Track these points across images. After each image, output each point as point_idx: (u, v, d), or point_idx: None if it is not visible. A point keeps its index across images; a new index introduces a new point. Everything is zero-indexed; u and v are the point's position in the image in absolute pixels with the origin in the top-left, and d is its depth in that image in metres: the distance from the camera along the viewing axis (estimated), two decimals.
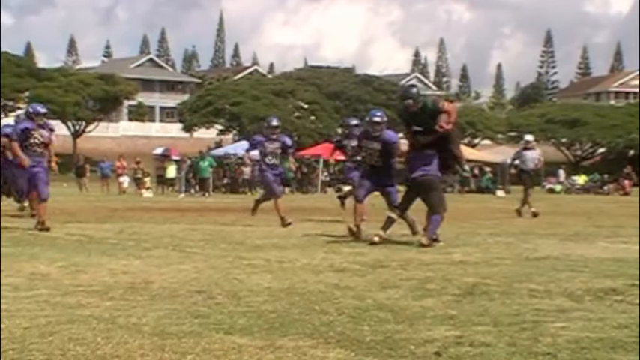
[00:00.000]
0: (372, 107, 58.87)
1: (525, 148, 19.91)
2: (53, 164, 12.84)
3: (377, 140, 11.06)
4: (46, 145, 12.36)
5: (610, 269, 7.80)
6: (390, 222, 10.53)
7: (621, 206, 27.08)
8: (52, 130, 12.79)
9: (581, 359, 4.14)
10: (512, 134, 68.43)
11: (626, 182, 48.19)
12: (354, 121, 15.66)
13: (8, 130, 12.67)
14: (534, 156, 19.73)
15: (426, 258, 8.74)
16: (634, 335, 4.70)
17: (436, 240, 10.13)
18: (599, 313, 5.49)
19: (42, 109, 12.72)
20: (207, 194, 36.59)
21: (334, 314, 5.40)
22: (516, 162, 19.85)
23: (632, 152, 65.72)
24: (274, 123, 14.77)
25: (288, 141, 14.98)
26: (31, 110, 12.69)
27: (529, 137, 21.11)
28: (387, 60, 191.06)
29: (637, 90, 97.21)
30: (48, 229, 11.73)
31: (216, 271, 7.49)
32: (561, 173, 51.62)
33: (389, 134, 11.19)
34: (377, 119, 11.14)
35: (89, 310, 5.46)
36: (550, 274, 7.46)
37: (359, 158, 12.97)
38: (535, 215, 17.52)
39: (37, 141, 12.23)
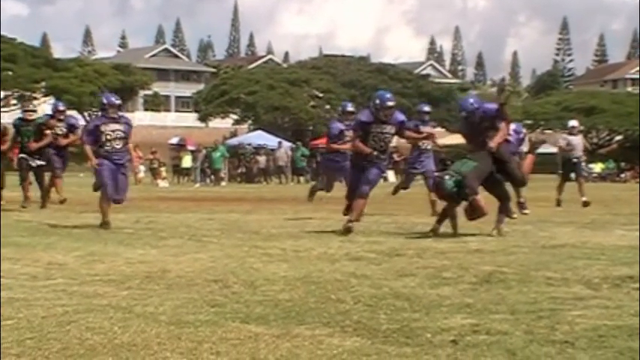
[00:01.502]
0: None
1: (570, 134, 18.91)
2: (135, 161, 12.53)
3: (389, 123, 10.49)
4: (125, 139, 11.25)
5: (627, 257, 7.76)
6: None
7: (638, 194, 26.94)
8: (128, 125, 11.44)
9: (599, 347, 4.12)
10: (529, 122, 68.06)
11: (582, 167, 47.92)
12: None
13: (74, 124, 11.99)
14: (581, 142, 18.85)
15: (442, 246, 8.72)
16: None
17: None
18: (616, 300, 5.46)
19: (116, 100, 11.50)
20: (220, 184, 36.61)
21: (350, 303, 5.40)
22: (565, 148, 18.63)
23: None
24: (349, 108, 14.36)
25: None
26: (105, 101, 11.48)
27: (574, 122, 19.79)
28: (402, 48, 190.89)
29: None
30: (108, 225, 10.83)
31: (232, 261, 7.50)
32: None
33: (400, 115, 10.72)
34: (390, 103, 10.44)
35: (106, 299, 5.48)
36: (567, 262, 7.43)
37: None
38: (586, 204, 16.78)
39: (109, 137, 11.08)
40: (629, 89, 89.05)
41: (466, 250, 8.44)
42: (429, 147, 14.52)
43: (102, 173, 11.06)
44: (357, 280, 6.39)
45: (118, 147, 11.12)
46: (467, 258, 7.76)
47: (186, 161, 40.32)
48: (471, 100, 10.75)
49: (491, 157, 10.11)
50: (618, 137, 69.87)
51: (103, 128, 11.11)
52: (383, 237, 9.75)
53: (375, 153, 10.38)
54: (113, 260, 7.45)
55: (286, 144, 43.95)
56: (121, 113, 11.51)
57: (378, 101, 10.42)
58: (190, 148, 42.69)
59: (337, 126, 13.87)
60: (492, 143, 10.05)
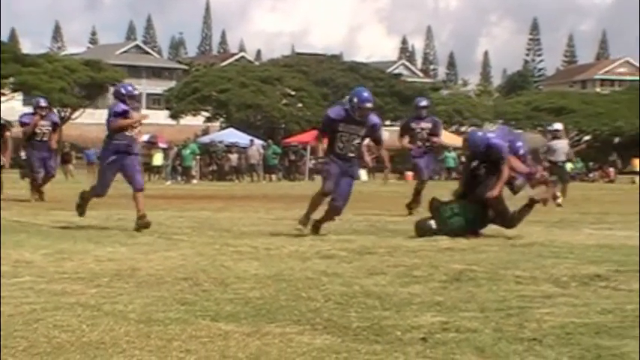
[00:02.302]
0: None
1: (554, 137, 18.61)
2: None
3: (361, 124, 9.85)
4: (137, 129, 10.89)
5: (595, 255, 7.83)
6: None
7: (606, 193, 27.20)
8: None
9: (566, 344, 4.16)
10: (499, 122, 68.50)
11: (611, 169, 48.35)
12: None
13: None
14: (565, 145, 18.51)
15: (412, 245, 8.74)
16: (618, 321, 4.72)
17: None
18: (584, 298, 5.51)
19: (135, 91, 11.03)
20: (192, 181, 36.51)
21: (321, 301, 5.40)
22: (545, 154, 18.35)
23: (617, 139, 65.92)
24: (423, 103, 14.47)
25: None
26: (123, 92, 10.87)
27: (558, 125, 19.45)
28: (375, 47, 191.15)
29: (623, 77, 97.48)
30: (148, 225, 10.22)
31: (202, 258, 7.48)
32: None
33: (375, 117, 10.21)
34: (369, 105, 9.82)
35: (74, 297, 5.44)
36: (536, 260, 7.49)
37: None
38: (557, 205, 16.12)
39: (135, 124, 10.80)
40: (598, 90, 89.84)
41: (437, 249, 8.48)
42: (424, 144, 14.04)
43: (104, 170, 10.98)
44: (327, 278, 6.40)
45: (136, 137, 10.90)
46: (437, 256, 7.79)
47: (157, 159, 40.11)
48: (480, 134, 10.15)
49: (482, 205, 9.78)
50: (587, 137, 70.48)
51: (129, 115, 10.69)
52: (354, 235, 9.76)
53: (324, 155, 10.00)
54: (82, 258, 7.40)
55: (258, 142, 43.90)
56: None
57: (356, 100, 9.77)
58: (161, 145, 42.48)
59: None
60: (493, 192, 9.61)
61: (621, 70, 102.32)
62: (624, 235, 10.18)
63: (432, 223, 9.76)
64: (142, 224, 10.20)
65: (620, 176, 48.10)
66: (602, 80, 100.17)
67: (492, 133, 10.14)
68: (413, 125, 14.10)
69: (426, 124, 14.04)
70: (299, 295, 5.63)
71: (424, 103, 14.71)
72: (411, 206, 13.47)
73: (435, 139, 14.11)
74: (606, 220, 11.57)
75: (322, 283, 6.15)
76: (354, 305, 5.24)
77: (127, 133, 10.60)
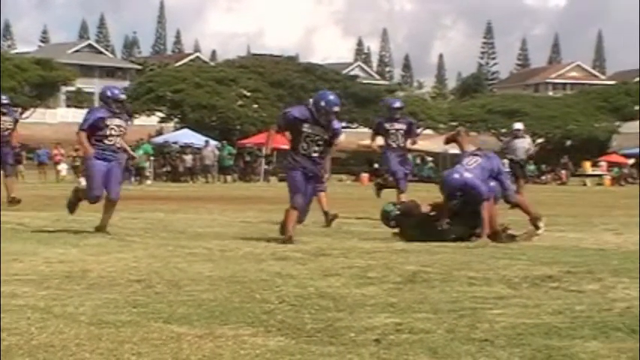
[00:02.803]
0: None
1: (515, 137, 18.87)
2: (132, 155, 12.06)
3: (325, 128, 9.56)
4: (122, 136, 10.55)
5: (547, 257, 7.91)
6: None
7: (558, 196, 27.52)
8: (127, 121, 10.89)
9: (517, 345, 4.19)
10: (454, 124, 69.02)
11: (564, 172, 48.92)
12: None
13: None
14: (525, 145, 18.72)
15: (367, 246, 8.76)
16: (568, 321, 4.77)
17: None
18: (535, 299, 5.56)
19: (122, 95, 10.70)
20: (145, 182, 36.24)
21: (275, 302, 5.39)
22: (506, 151, 18.67)
23: (569, 142, 66.72)
24: (397, 104, 14.16)
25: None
26: (109, 94, 10.52)
27: (519, 125, 19.82)
28: (330, 49, 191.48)
29: (574, 81, 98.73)
30: (105, 232, 10.03)
31: (156, 260, 7.42)
32: (505, 162, 52.14)
33: (337, 123, 10.04)
34: (337, 109, 9.57)
35: (23, 299, 5.37)
36: (489, 262, 7.54)
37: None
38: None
39: (113, 132, 10.36)
40: (551, 93, 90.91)
41: (391, 250, 8.50)
42: (401, 144, 13.74)
43: (94, 172, 10.37)
44: (282, 279, 6.38)
45: (118, 145, 10.49)
46: (392, 258, 7.81)
47: None
48: (456, 177, 9.71)
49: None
50: (540, 140, 71.25)
51: (108, 122, 10.33)
52: (309, 237, 9.76)
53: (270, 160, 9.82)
54: (32, 260, 7.30)
55: (213, 143, 43.71)
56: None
57: (323, 103, 9.44)
58: None
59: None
60: (484, 239, 9.40)
61: (573, 73, 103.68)
62: (575, 237, 10.31)
63: (395, 209, 9.85)
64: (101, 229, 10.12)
65: (572, 179, 48.72)
66: (555, 84, 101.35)
67: (469, 170, 9.71)
68: (387, 126, 13.74)
69: (400, 125, 13.73)
70: (253, 296, 5.61)
71: (398, 104, 14.35)
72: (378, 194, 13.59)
73: (409, 141, 13.82)
74: (558, 222, 11.68)
75: (276, 284, 6.13)
76: (308, 307, 5.24)
77: (106, 142, 10.29)
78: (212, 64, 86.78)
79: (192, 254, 7.97)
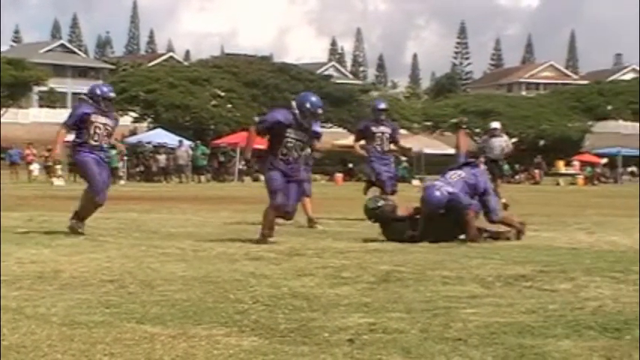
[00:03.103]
0: (290, 96, 58.24)
1: (492, 135, 18.64)
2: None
3: (306, 131, 9.42)
4: (110, 135, 10.27)
5: (520, 256, 7.95)
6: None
7: (532, 195, 27.68)
8: (116, 122, 10.53)
9: (491, 344, 4.21)
10: (428, 124, 69.27)
11: (537, 171, 49.23)
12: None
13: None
14: (502, 143, 18.49)
15: (341, 246, 8.76)
16: (541, 320, 4.80)
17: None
18: (508, 298, 5.59)
19: (111, 93, 10.35)
20: (119, 182, 36.07)
21: (249, 303, 5.38)
22: (482, 150, 18.41)
23: (542, 142, 67.13)
24: (382, 106, 13.61)
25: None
26: (98, 92, 10.21)
27: (496, 124, 19.50)
28: (304, 49, 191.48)
29: (547, 81, 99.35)
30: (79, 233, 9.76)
31: (129, 260, 7.39)
32: (482, 161, 52.32)
33: (318, 126, 10.08)
34: (321, 111, 9.46)
35: None
36: (462, 261, 7.57)
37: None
38: (505, 207, 15.53)
39: (98, 130, 10.04)
40: (524, 93, 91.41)
41: (365, 250, 8.51)
42: (385, 148, 13.28)
43: (91, 167, 10.04)
44: (256, 279, 6.37)
45: (105, 145, 10.26)
46: (365, 257, 7.82)
47: None
48: (438, 195, 9.38)
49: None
50: (513, 140, 71.63)
51: (93, 118, 10.02)
52: (283, 237, 9.74)
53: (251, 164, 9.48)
54: (4, 260, 7.23)
55: (187, 143, 43.59)
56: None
57: (308, 105, 9.25)
58: None
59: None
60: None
61: (546, 73, 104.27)
62: (549, 236, 10.37)
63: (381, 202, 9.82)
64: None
65: (546, 178, 49.02)
66: (528, 84, 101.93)
67: (450, 184, 9.46)
68: (373, 129, 13.16)
69: (386, 129, 13.24)
70: (226, 296, 5.60)
71: (383, 105, 13.74)
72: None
73: (394, 145, 13.43)
74: (531, 222, 11.73)
75: (250, 284, 6.12)
76: (281, 307, 5.23)
77: (91, 142, 10.05)
78: (185, 64, 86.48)
79: (166, 254, 7.94)
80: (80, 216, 10.01)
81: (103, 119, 10.11)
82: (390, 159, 13.43)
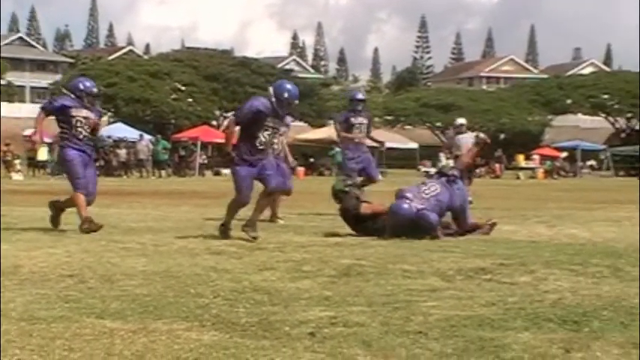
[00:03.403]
0: (251, 90, 57.90)
1: (458, 132, 18.42)
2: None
3: (282, 121, 9.31)
4: (93, 129, 10.00)
5: (480, 249, 8.00)
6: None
7: (492, 189, 27.87)
8: (99, 114, 10.37)
9: (451, 337, 4.23)
10: (389, 118, 69.47)
11: (497, 165, 49.57)
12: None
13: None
14: (468, 140, 17.39)
15: (302, 240, 8.76)
16: (501, 313, 4.83)
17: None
18: (468, 291, 5.62)
19: (95, 89, 10.13)
20: None
21: (210, 297, 5.36)
22: (449, 147, 18.12)
23: (503, 136, 67.59)
24: (360, 96, 13.52)
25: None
26: (82, 87, 9.97)
27: (462, 120, 19.40)
28: (265, 43, 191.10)
29: (507, 75, 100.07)
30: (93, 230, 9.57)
31: (88, 255, 7.33)
32: (442, 156, 52.58)
33: (290, 117, 10.01)
34: (297, 101, 9.27)
35: None
36: (423, 254, 7.60)
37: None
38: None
39: (79, 124, 9.80)
40: (484, 87, 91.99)
41: (326, 244, 8.51)
42: (363, 139, 13.17)
43: (75, 168, 9.90)
44: (217, 274, 6.36)
45: (87, 138, 9.94)
46: (327, 251, 7.83)
47: (42, 154, 39.19)
48: (405, 207, 9.13)
49: None
50: (473, 134, 71.98)
51: (75, 112, 9.78)
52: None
53: (234, 154, 9.04)
54: None
55: (147, 137, 43.32)
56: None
57: (286, 95, 9.03)
58: (47, 140, 41.47)
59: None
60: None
61: (506, 67, 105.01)
62: (509, 229, 10.45)
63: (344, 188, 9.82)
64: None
65: (506, 172, 49.38)
66: (488, 77, 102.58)
67: (423, 199, 9.24)
68: (352, 120, 13.01)
69: (363, 119, 13.13)
70: (187, 291, 5.58)
71: (360, 96, 13.76)
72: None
73: (371, 135, 13.35)
74: (491, 215, 11.80)
75: (211, 279, 6.10)
76: (242, 301, 5.22)
77: (74, 132, 9.82)
78: (146, 57, 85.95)
79: (126, 249, 7.89)
80: (81, 216, 9.85)
81: (84, 112, 9.88)
82: (365, 147, 13.25)
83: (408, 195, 9.30)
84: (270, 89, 9.16)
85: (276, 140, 9.34)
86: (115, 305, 5.03)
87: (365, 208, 9.75)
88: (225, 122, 9.64)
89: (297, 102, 9.30)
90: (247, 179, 9.11)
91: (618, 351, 3.95)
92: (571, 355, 3.87)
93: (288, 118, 9.87)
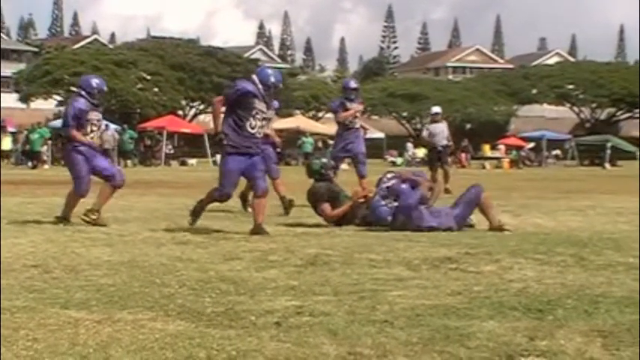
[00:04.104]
0: (217, 79, 57.51)
1: (433, 121, 18.27)
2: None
3: (268, 107, 9.12)
4: (99, 128, 9.90)
5: (446, 239, 8.03)
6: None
7: (458, 178, 27.96)
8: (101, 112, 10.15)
9: (416, 325, 4.25)
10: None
11: (463, 155, 49.79)
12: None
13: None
14: (443, 129, 18.06)
15: (269, 230, 8.73)
16: (466, 302, 4.86)
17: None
18: (434, 281, 5.65)
19: (104, 87, 9.89)
20: (43, 167, 35.46)
21: (175, 287, 5.35)
22: (427, 138, 18.08)
23: (469, 126, 67.90)
24: (353, 85, 13.32)
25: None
26: (94, 85, 9.70)
27: (436, 109, 19.11)
28: (231, 32, 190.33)
29: (473, 65, 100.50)
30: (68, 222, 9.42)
31: (53, 245, 7.28)
32: (410, 146, 52.76)
33: (275, 102, 10.02)
34: (281, 85, 9.18)
35: None
36: (389, 244, 7.62)
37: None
38: (447, 191, 15.39)
39: (94, 127, 9.69)
40: (451, 77, 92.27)
41: (292, 234, 8.52)
42: (357, 125, 12.98)
43: (81, 164, 9.77)
44: (182, 263, 6.34)
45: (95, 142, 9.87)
46: (293, 241, 7.83)
47: (6, 143, 38.81)
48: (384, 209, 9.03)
49: None
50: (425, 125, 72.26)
51: (90, 116, 9.58)
52: (210, 221, 9.68)
53: (223, 137, 8.69)
54: None
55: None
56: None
57: (273, 79, 8.86)
58: (11, 129, 41.10)
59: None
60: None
61: (472, 57, 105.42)
62: (474, 219, 10.48)
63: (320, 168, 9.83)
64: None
65: (472, 162, 49.60)
66: (455, 67, 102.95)
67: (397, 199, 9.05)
68: (348, 106, 12.81)
69: (358, 107, 13.05)
70: (153, 281, 5.55)
71: (354, 84, 13.54)
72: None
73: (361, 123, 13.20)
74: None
75: (177, 269, 6.08)
76: (208, 291, 5.21)
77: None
78: (111, 46, 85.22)
79: (91, 239, 7.84)
80: (67, 211, 9.70)
81: (94, 114, 9.69)
82: (356, 135, 12.95)
83: (378, 198, 9.18)
84: (254, 77, 8.93)
85: (264, 125, 9.11)
86: (80, 295, 5.00)
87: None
88: (213, 103, 9.21)
89: (281, 86, 9.17)
90: (234, 174, 8.84)
91: (582, 339, 3.99)
92: (535, 343, 3.90)
93: (275, 103, 9.89)
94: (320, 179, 9.93)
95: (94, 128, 9.71)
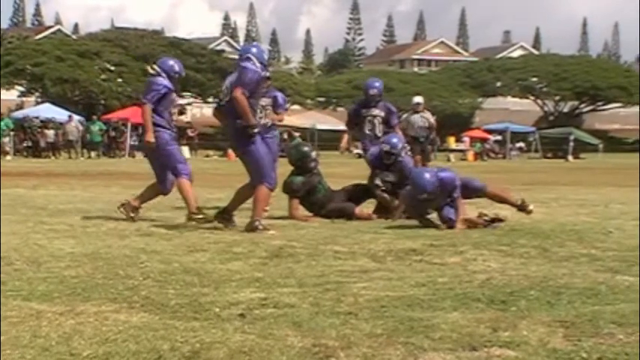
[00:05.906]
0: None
1: (415, 112, 17.62)
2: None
3: (265, 96, 9.15)
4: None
5: (411, 231, 8.07)
6: None
7: None
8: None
9: (381, 317, 4.26)
10: (321, 99, 69.54)
11: (429, 147, 49.99)
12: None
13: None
14: (423, 120, 17.41)
15: (235, 221, 8.71)
16: (431, 293, 4.88)
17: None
18: (399, 272, 5.67)
19: (182, 71, 9.34)
20: (5, 157, 35.11)
21: (139, 279, 5.32)
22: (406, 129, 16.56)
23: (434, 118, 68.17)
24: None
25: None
26: (177, 69, 9.16)
27: (418, 99, 18.42)
28: (196, 23, 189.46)
29: (438, 58, 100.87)
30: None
31: (15, 237, 7.21)
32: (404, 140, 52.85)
33: (280, 95, 10.31)
34: (268, 74, 8.98)
35: None
36: (355, 236, 7.64)
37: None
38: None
39: (174, 110, 9.26)
40: (416, 69, 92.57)
41: None
42: (375, 134, 11.75)
43: (175, 153, 9.14)
44: (146, 255, 6.30)
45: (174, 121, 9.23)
46: (258, 233, 7.81)
47: None
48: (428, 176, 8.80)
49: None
50: (405, 115, 72.47)
51: (174, 96, 9.11)
52: (175, 212, 9.65)
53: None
54: None
55: (77, 117, 42.66)
56: None
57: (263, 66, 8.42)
58: None
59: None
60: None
61: (437, 50, 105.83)
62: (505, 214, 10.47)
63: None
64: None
65: (437, 154, 49.81)
66: (420, 60, 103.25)
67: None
68: (363, 112, 11.85)
69: (378, 111, 11.85)
70: (116, 273, 5.52)
71: (376, 87, 12.34)
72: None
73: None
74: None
75: (141, 260, 6.05)
76: (172, 282, 5.19)
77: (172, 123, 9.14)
78: (74, 37, 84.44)
79: (54, 230, 7.77)
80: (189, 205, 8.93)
81: (174, 95, 9.18)
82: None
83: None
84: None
85: (263, 117, 9.08)
86: (42, 287, 4.96)
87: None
88: (238, 96, 8.06)
89: (268, 75, 9.04)
90: (269, 155, 8.52)
91: (544, 329, 4.02)
92: (498, 334, 3.93)
93: (280, 96, 10.21)
94: (299, 172, 9.83)
95: (173, 111, 9.25)
